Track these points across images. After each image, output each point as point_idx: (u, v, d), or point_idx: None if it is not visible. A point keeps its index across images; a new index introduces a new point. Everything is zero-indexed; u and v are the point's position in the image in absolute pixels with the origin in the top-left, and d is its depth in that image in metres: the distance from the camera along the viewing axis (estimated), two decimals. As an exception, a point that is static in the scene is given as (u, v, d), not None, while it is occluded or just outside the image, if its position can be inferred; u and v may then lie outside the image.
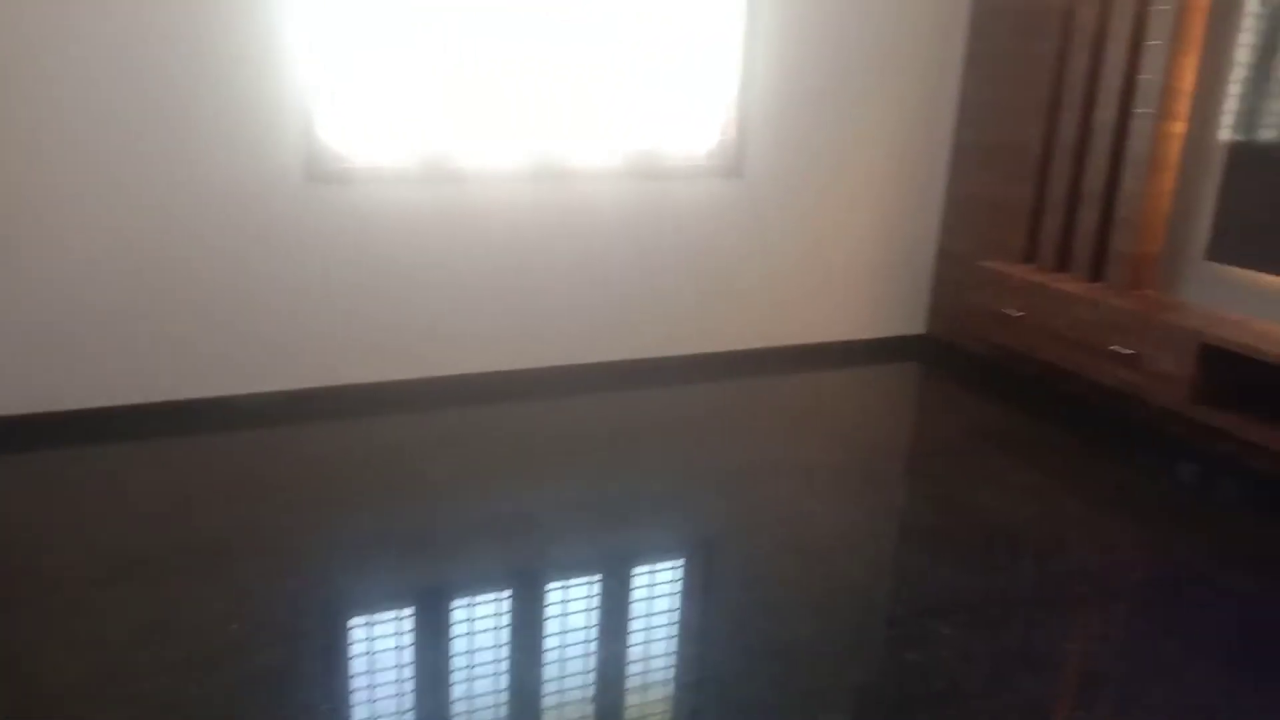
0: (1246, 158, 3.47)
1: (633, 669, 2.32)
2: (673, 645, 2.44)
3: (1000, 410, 4.15)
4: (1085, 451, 3.77)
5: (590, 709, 2.17)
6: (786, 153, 4.30)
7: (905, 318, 4.84)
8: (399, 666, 2.27)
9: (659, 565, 2.84)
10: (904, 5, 4.32)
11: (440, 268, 3.84)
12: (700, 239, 4.25)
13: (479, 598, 2.58)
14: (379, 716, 2.11)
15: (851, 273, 4.63)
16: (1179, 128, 3.68)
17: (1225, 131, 3.55)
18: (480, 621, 2.47)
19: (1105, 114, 3.83)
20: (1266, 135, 3.41)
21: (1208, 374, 3.40)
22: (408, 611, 2.52)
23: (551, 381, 4.12)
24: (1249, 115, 3.46)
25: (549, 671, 2.28)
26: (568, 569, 2.75)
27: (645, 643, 2.42)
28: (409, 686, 2.21)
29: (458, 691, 2.20)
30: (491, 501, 3.11)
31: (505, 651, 2.34)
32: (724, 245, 4.31)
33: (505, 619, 2.48)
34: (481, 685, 2.22)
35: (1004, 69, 4.31)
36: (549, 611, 2.53)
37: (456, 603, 2.54)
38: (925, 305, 4.86)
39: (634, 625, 2.49)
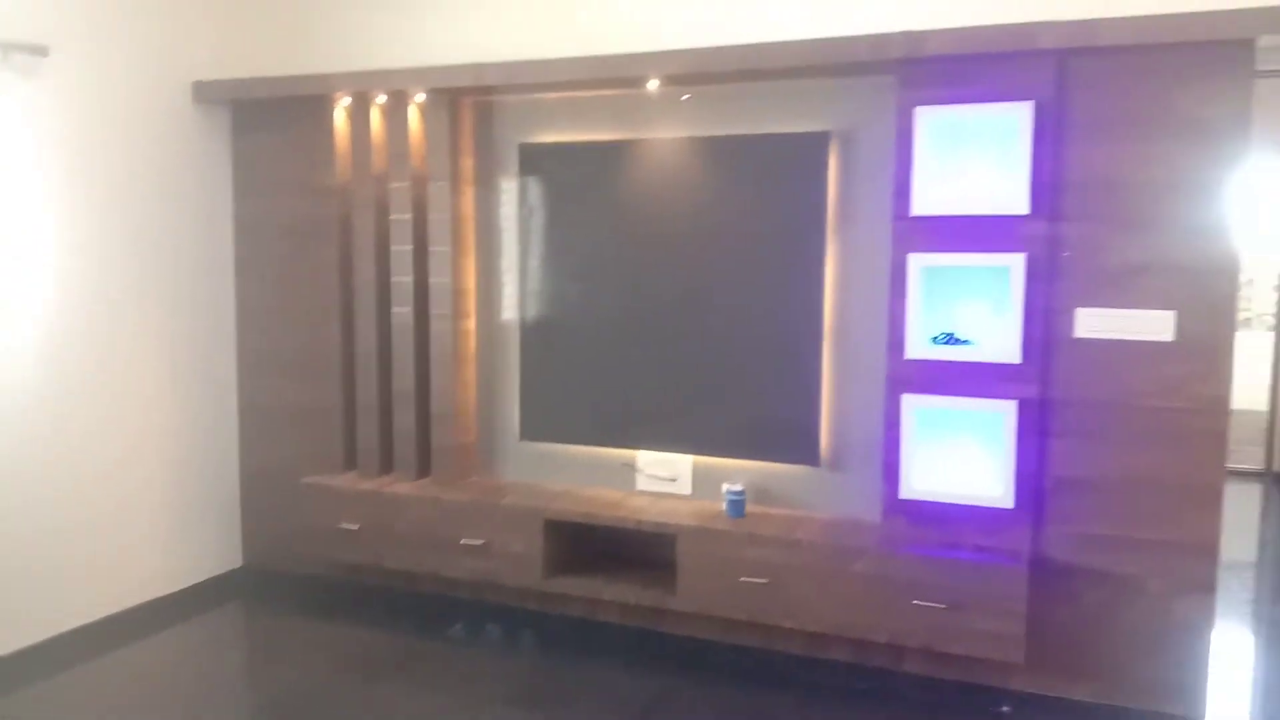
0: (534, 345, 3.84)
1: None
2: None
3: (358, 634, 3.85)
4: (461, 653, 3.69)
5: None
6: (44, 385, 3.49)
7: (217, 554, 4.25)
8: None
9: None
10: (163, 216, 3.90)
11: None
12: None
13: None
14: None
15: (143, 517, 3.90)
16: (471, 324, 3.92)
17: (512, 323, 3.89)
18: None
19: (402, 316, 3.91)
20: (544, 324, 3.82)
21: (555, 546, 3.61)
22: None
23: None
24: (526, 309, 3.84)
25: None
26: None
27: None
28: None
29: None
30: None
31: None
32: (-24, 520, 3.27)
33: None
34: None
35: (285, 275, 4.14)
36: None
37: None
38: (238, 534, 4.34)
39: None
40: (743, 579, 3.27)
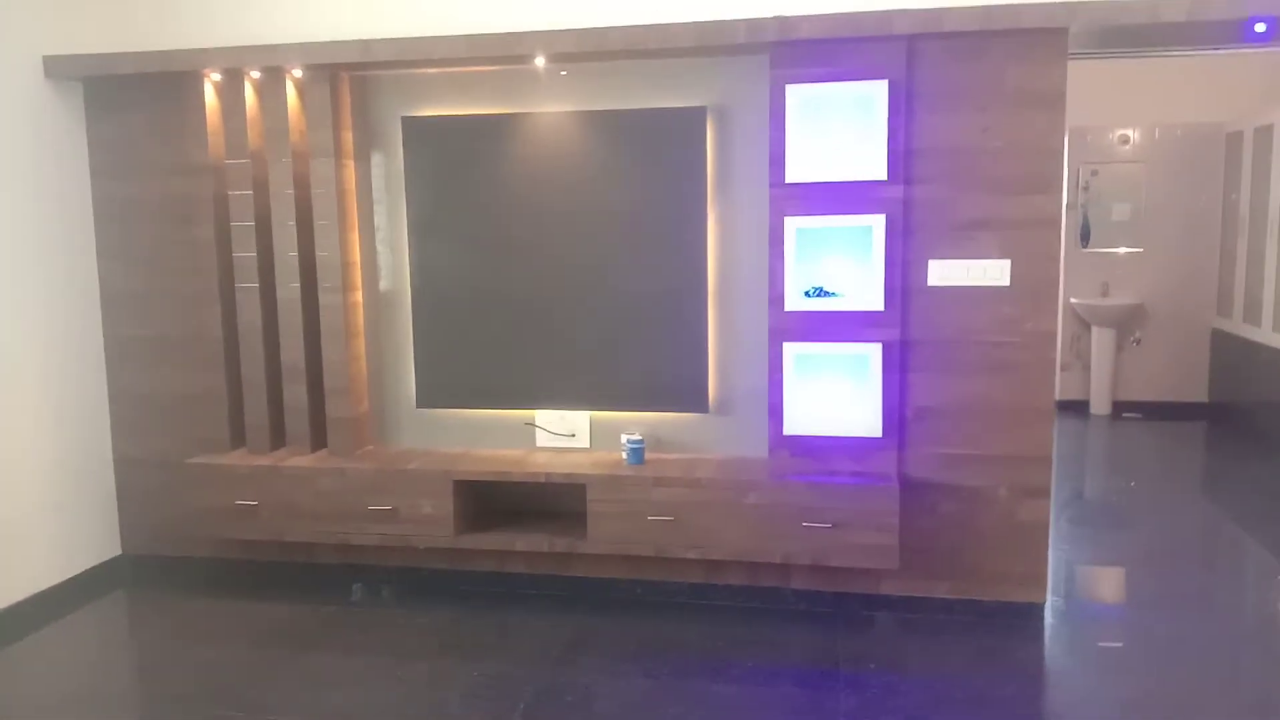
0: (427, 314, 3.96)
1: None
2: None
3: (266, 609, 3.87)
4: (379, 615, 3.80)
5: None
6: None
7: (94, 544, 4.12)
8: None
9: None
10: (12, 199, 3.72)
11: None
12: None
13: None
14: None
15: (7, 510, 3.75)
16: (359, 297, 3.98)
17: (403, 294, 3.99)
18: None
19: (288, 292, 3.91)
20: (436, 293, 3.94)
21: (465, 505, 3.77)
22: None
23: None
24: (417, 279, 3.95)
25: None
26: None
27: None
28: None
29: None
30: None
31: None
32: None
33: None
34: None
35: (155, 257, 4.03)
36: None
37: None
38: (115, 522, 4.22)
39: None
40: (650, 518, 3.56)
